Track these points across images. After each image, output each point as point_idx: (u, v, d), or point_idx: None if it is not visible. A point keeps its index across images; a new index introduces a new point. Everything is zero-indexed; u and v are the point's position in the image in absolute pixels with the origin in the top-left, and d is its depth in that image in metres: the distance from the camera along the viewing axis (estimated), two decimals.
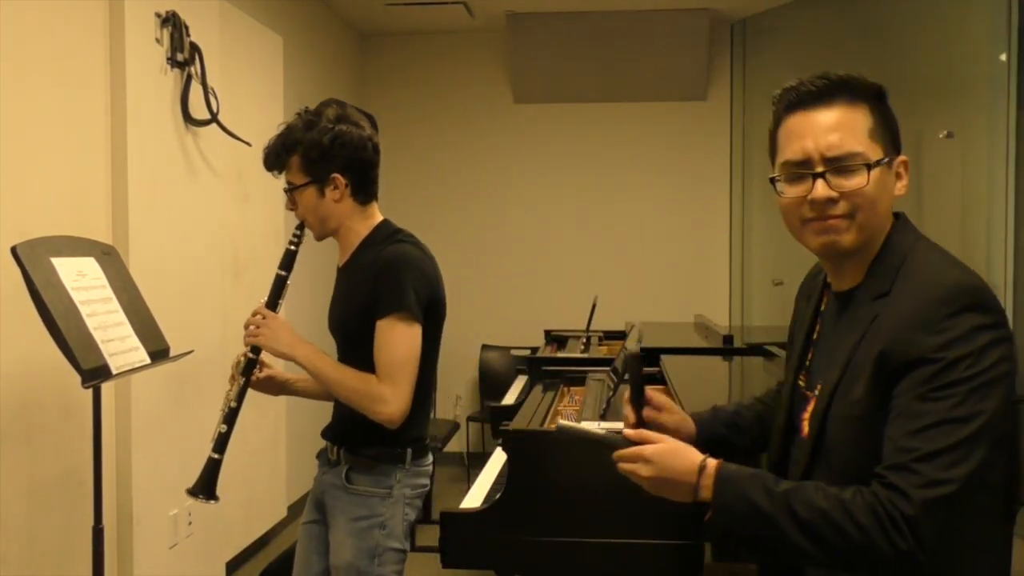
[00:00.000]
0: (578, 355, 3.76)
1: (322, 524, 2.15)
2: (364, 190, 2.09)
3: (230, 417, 2.06)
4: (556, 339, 4.31)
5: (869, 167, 1.28)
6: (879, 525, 1.17)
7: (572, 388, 3.01)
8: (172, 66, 3.16)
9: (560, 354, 3.89)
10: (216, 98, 3.34)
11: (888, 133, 1.33)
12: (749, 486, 1.26)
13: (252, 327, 2.08)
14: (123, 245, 2.87)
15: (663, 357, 3.11)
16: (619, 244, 6.00)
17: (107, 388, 2.56)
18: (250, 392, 2.14)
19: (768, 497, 1.24)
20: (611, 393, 2.48)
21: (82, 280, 2.23)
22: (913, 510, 1.15)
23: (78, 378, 2.10)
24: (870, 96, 1.33)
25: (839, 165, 1.29)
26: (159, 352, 2.43)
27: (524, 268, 5.99)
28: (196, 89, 3.27)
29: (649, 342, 3.24)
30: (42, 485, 2.58)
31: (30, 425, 2.54)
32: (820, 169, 1.30)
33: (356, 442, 2.07)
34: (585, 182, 6.02)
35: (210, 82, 3.30)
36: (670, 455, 1.33)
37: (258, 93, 4.08)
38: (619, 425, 2.24)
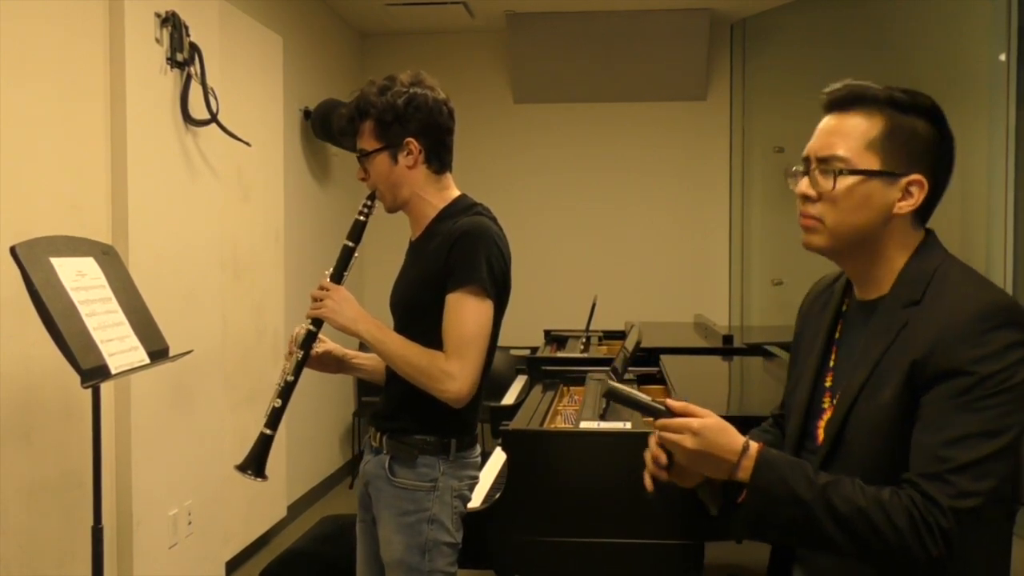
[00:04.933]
0: (578, 355, 3.76)
1: (372, 523, 2.07)
2: (439, 157, 2.01)
3: (285, 392, 1.97)
4: (556, 339, 4.30)
5: (838, 172, 1.33)
6: (915, 530, 1.22)
7: (572, 388, 3.01)
8: (172, 66, 3.16)
9: (560, 354, 3.89)
10: (216, 98, 3.34)
11: (902, 148, 1.33)
12: (789, 472, 1.30)
13: (316, 300, 1.97)
14: (123, 245, 2.87)
15: (663, 357, 3.11)
16: (619, 244, 6.00)
17: (106, 388, 2.56)
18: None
19: (808, 486, 1.28)
20: None
21: (81, 280, 2.23)
22: (947, 523, 1.21)
23: (77, 378, 2.10)
24: (894, 108, 1.34)
25: (821, 167, 1.36)
26: (158, 352, 2.43)
27: (524, 268, 5.92)
28: (196, 89, 3.27)
29: (649, 342, 3.24)
30: (42, 485, 2.58)
31: (30, 425, 2.54)
32: (812, 167, 1.37)
33: (399, 430, 1.99)
34: (585, 182, 6.02)
35: (210, 82, 3.30)
36: (716, 431, 1.35)
37: (258, 93, 4.08)
38: (620, 425, 2.24)
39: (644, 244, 5.99)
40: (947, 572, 1.25)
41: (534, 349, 4.12)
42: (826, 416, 1.42)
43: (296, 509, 4.69)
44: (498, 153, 5.99)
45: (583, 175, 6.02)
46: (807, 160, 1.38)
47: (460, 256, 1.89)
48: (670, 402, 1.39)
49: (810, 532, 1.29)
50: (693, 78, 5.79)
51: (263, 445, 1.98)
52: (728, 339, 3.57)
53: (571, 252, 5.99)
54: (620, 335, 4.08)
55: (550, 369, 3.21)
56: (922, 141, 1.34)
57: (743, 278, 5.94)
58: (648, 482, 1.44)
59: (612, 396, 1.43)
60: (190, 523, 3.29)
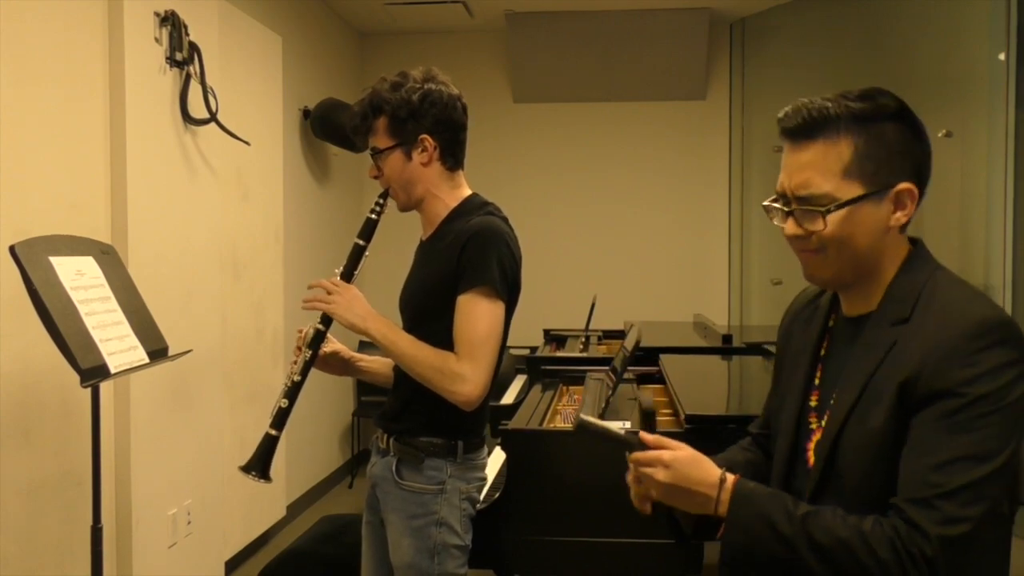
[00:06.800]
0: (577, 354, 3.76)
1: (379, 524, 2.05)
2: (453, 154, 1.99)
3: (292, 392, 1.94)
4: (555, 338, 4.30)
5: (827, 212, 1.25)
6: (898, 560, 1.17)
7: (571, 387, 3.01)
8: (171, 65, 3.16)
9: (559, 353, 3.89)
10: (215, 97, 3.34)
11: (879, 161, 1.25)
12: (768, 506, 1.25)
13: (324, 294, 1.92)
14: (122, 244, 2.87)
15: (662, 356, 3.11)
16: (618, 243, 6.00)
17: (106, 387, 2.56)
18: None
19: (787, 519, 1.23)
20: (610, 392, 2.48)
21: (81, 279, 2.23)
22: (932, 551, 1.15)
23: (77, 377, 2.10)
24: (857, 123, 1.25)
25: (804, 207, 1.28)
26: (158, 351, 2.43)
27: (523, 267, 5.98)
28: (195, 88, 3.27)
29: (648, 341, 3.24)
30: (41, 484, 2.58)
31: (29, 424, 2.54)
32: (793, 207, 1.30)
33: (406, 431, 1.96)
34: (584, 182, 6.02)
35: (209, 81, 3.30)
36: (689, 464, 1.29)
37: (257, 92, 4.08)
38: (620, 424, 2.25)
39: (644, 244, 5.99)
40: None
41: (533, 348, 4.12)
42: (815, 438, 1.35)
43: (295, 509, 4.69)
44: (497, 153, 5.99)
45: (582, 175, 6.01)
46: (785, 196, 1.31)
47: (471, 257, 1.87)
48: (643, 435, 1.33)
49: (791, 566, 1.23)
50: (692, 78, 5.79)
51: (268, 446, 1.96)
52: (727, 338, 3.57)
53: (570, 251, 5.99)
54: (619, 334, 4.08)
55: (549, 368, 3.22)
56: (896, 146, 1.26)
57: (742, 278, 5.94)
58: (642, 507, 1.38)
59: (584, 431, 1.34)
60: (189, 523, 3.29)
